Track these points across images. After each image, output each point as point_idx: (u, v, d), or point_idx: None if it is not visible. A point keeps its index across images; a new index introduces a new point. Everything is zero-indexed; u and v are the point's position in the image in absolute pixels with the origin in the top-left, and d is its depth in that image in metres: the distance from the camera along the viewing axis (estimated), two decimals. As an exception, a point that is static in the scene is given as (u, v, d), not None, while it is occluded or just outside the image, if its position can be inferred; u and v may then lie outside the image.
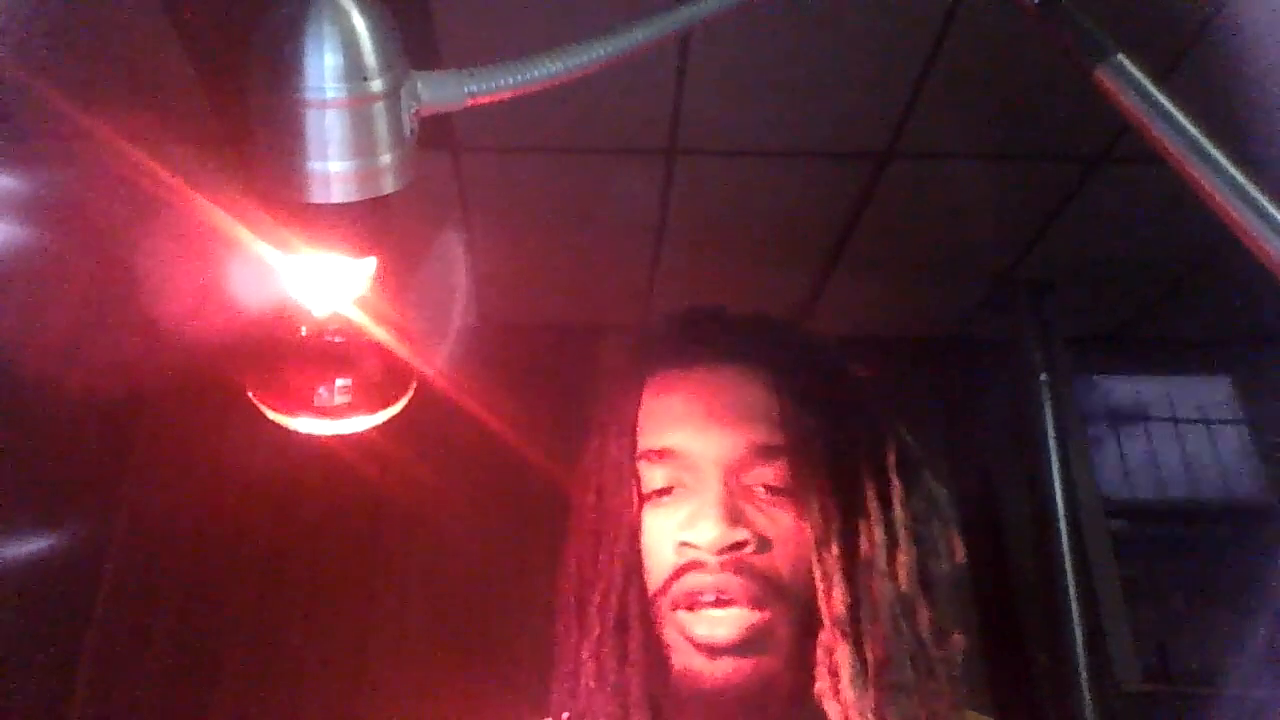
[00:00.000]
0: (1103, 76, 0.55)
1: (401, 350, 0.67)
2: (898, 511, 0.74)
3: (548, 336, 2.49)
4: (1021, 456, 2.36)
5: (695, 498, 0.73)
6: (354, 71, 0.50)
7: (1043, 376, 2.34)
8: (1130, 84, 0.54)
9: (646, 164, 2.04)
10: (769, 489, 0.73)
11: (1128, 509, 2.35)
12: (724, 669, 0.68)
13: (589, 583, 0.76)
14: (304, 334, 0.65)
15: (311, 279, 0.61)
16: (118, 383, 2.16)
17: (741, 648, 0.68)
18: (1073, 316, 2.44)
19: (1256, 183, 0.50)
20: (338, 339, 0.65)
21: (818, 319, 2.58)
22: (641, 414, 0.78)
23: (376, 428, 0.68)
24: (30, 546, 1.97)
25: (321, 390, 0.65)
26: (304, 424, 0.65)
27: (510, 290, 2.45)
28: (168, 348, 2.18)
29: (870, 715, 0.66)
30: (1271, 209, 0.49)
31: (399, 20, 0.53)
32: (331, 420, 0.65)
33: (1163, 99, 0.53)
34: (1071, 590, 2.15)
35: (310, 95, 0.50)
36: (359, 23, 0.50)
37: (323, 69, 0.50)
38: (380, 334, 0.66)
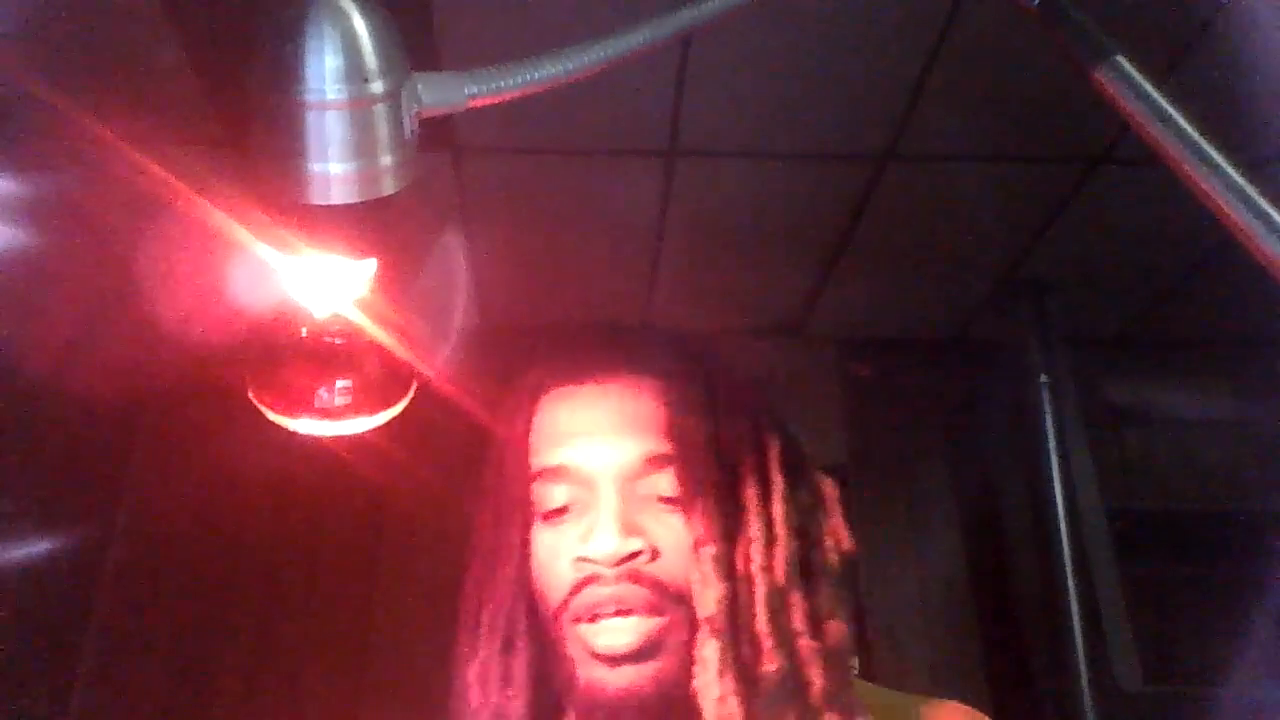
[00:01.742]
0: (1102, 77, 0.55)
1: (402, 351, 0.67)
2: (777, 508, 0.76)
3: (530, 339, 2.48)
4: (1022, 458, 2.36)
5: (591, 512, 0.74)
6: (355, 73, 0.50)
7: (1043, 378, 2.34)
8: (1130, 84, 0.54)
9: (647, 165, 2.04)
10: (663, 499, 0.75)
11: (1128, 510, 2.35)
12: (626, 676, 0.70)
13: (481, 606, 0.78)
14: (304, 335, 0.65)
15: (312, 280, 0.61)
16: (118, 383, 2.16)
17: (640, 654, 0.70)
18: (1073, 318, 2.43)
19: (1256, 184, 0.50)
20: (338, 340, 0.65)
21: (818, 320, 2.58)
22: (534, 433, 0.80)
23: (377, 429, 0.68)
24: (30, 547, 1.97)
25: (322, 391, 0.65)
26: (305, 425, 0.65)
27: (511, 291, 2.45)
28: (168, 349, 2.18)
29: (738, 709, 0.68)
30: (1270, 210, 0.49)
31: (399, 22, 0.53)
32: (332, 421, 0.65)
33: (1162, 100, 0.53)
34: (1071, 591, 2.15)
35: (311, 97, 0.50)
36: (360, 24, 0.50)
37: (323, 70, 0.50)
38: (381, 335, 0.66)
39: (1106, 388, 2.54)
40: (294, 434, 0.66)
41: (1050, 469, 2.26)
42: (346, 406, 0.66)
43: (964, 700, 0.80)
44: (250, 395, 0.65)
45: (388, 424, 0.68)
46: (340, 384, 0.66)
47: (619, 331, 0.89)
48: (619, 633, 0.71)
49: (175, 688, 2.14)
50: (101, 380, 2.06)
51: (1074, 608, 2.13)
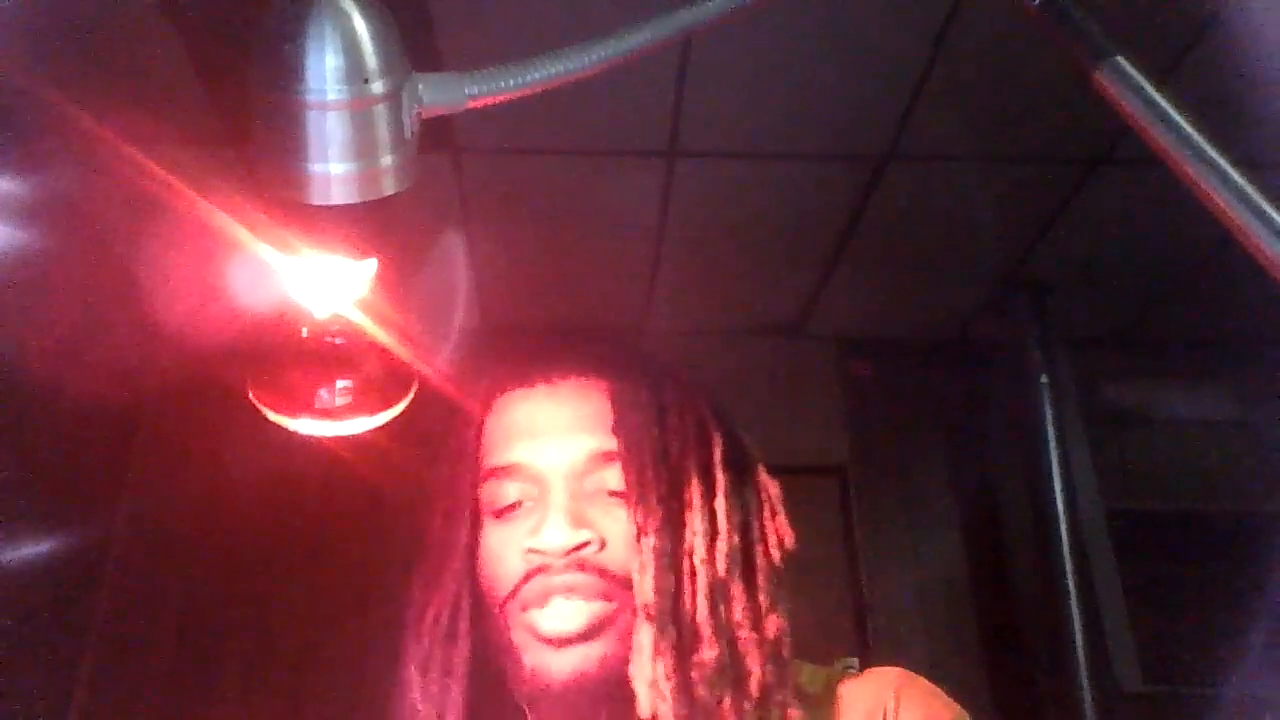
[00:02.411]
0: (1102, 78, 0.55)
1: (402, 352, 0.67)
2: (719, 504, 0.78)
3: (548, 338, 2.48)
4: (1022, 458, 2.36)
5: (541, 507, 0.77)
6: (355, 73, 0.50)
7: (1043, 379, 2.34)
8: (1130, 85, 0.54)
9: (647, 166, 2.04)
10: (610, 493, 0.78)
11: (1128, 510, 2.35)
12: (571, 658, 0.72)
13: (427, 601, 0.81)
14: (305, 335, 0.65)
15: (312, 280, 0.61)
16: (118, 384, 2.16)
17: (586, 635, 0.73)
18: (1073, 318, 2.44)
19: (1256, 184, 0.50)
20: (339, 340, 0.65)
21: (818, 320, 2.58)
22: (487, 435, 0.83)
23: (378, 429, 0.68)
24: (31, 548, 1.97)
25: (322, 392, 0.65)
26: (305, 425, 0.66)
27: (511, 292, 2.45)
28: (168, 349, 2.18)
29: (670, 694, 0.70)
30: (1271, 211, 0.49)
31: (399, 22, 0.53)
32: (332, 421, 0.66)
33: (1162, 101, 0.53)
34: (1071, 591, 2.15)
35: (311, 97, 0.50)
36: (360, 25, 0.50)
37: (324, 71, 0.50)
38: (381, 335, 0.66)
39: (1106, 388, 2.54)
40: (294, 434, 0.66)
41: (1050, 469, 2.26)
42: (347, 407, 0.66)
43: (963, 700, 0.80)
44: (250, 395, 0.65)
45: (389, 425, 0.68)
46: (340, 384, 0.66)
47: (568, 335, 0.93)
48: (566, 616, 0.73)
49: (175, 688, 2.14)
50: (101, 380, 2.06)
51: (1074, 608, 2.13)
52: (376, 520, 2.32)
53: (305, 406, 0.65)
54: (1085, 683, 2.08)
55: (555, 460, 0.78)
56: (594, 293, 2.47)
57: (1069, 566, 2.17)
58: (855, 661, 2.24)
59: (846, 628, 2.30)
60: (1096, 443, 2.38)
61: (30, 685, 1.98)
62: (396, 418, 0.68)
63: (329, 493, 2.24)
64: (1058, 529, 2.21)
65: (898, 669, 0.80)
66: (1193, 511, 2.41)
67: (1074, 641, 2.11)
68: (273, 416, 0.65)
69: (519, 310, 2.50)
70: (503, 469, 0.79)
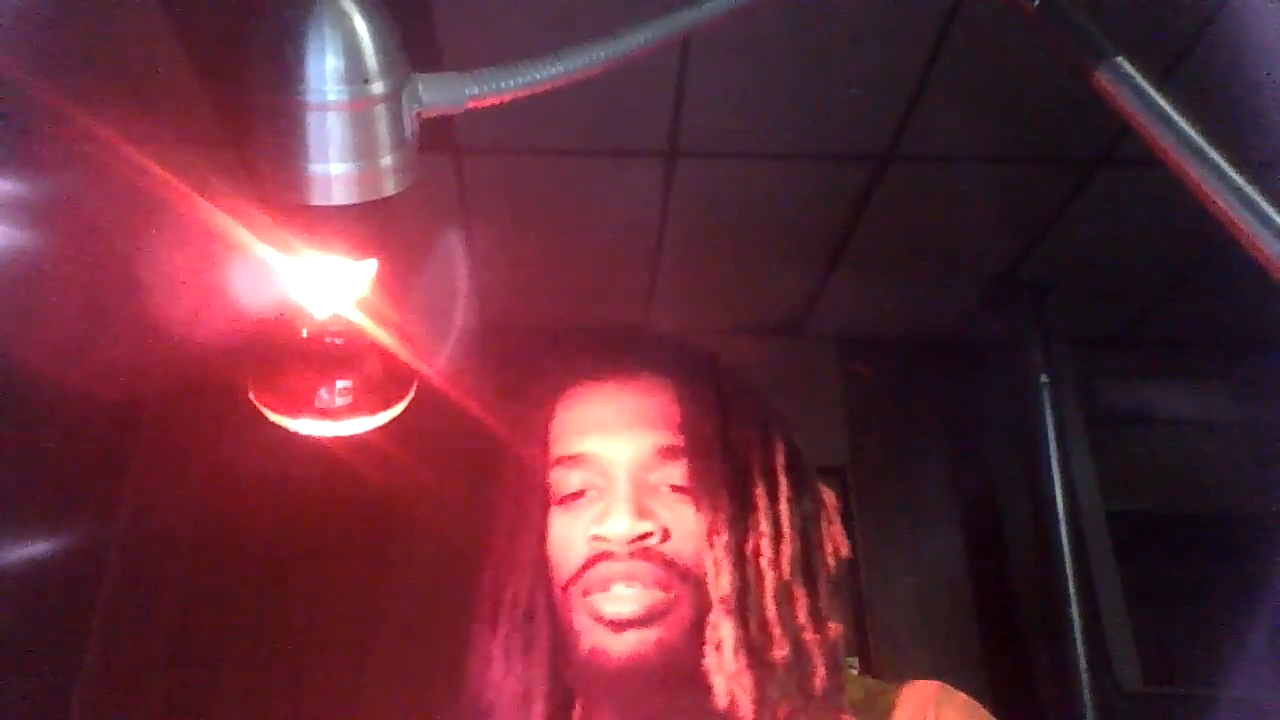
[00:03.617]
0: (1102, 78, 0.55)
1: (402, 352, 0.67)
2: (783, 508, 0.81)
3: (548, 338, 2.48)
4: (1022, 458, 2.36)
5: (606, 497, 0.79)
6: (355, 74, 0.50)
7: (1043, 378, 2.34)
8: (1129, 86, 0.55)
9: (647, 166, 2.04)
10: (673, 488, 0.80)
11: (1128, 510, 2.35)
12: (629, 642, 0.74)
13: (503, 583, 0.83)
14: (305, 336, 0.65)
15: (312, 281, 0.61)
16: (119, 384, 2.16)
17: (644, 621, 0.74)
18: (1073, 318, 2.44)
19: (1255, 185, 0.50)
20: (339, 341, 0.65)
21: (818, 320, 2.58)
22: (556, 424, 0.85)
23: (377, 429, 0.68)
24: (32, 547, 1.97)
25: (322, 392, 0.65)
26: (305, 425, 0.65)
27: (511, 292, 2.45)
28: (169, 349, 2.18)
29: (750, 688, 0.73)
30: (1270, 211, 0.49)
31: (400, 22, 0.53)
32: (332, 422, 0.66)
33: (1161, 101, 0.53)
34: (1071, 591, 2.15)
35: (311, 98, 0.50)
36: (360, 25, 0.50)
37: (324, 71, 0.50)
38: (381, 336, 0.66)
39: (1106, 388, 2.54)
40: (295, 435, 0.66)
41: (1050, 469, 2.26)
42: (347, 407, 0.66)
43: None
44: (251, 395, 0.65)
45: (388, 425, 0.68)
46: (340, 384, 0.66)
47: (639, 334, 0.96)
48: (626, 600, 0.75)
49: (176, 687, 2.14)
50: (103, 380, 2.06)
51: (1074, 608, 2.13)
52: (376, 520, 2.32)
53: (305, 406, 0.65)
54: (1085, 683, 2.08)
55: (622, 453, 0.80)
56: (594, 293, 2.47)
57: (1069, 566, 2.17)
58: (855, 661, 2.24)
59: (846, 627, 2.30)
60: (1096, 443, 2.38)
61: (30, 685, 1.99)
62: (396, 418, 0.68)
63: (329, 492, 2.24)
64: (1058, 529, 2.21)
65: (938, 683, 0.81)
66: (1193, 511, 2.41)
67: (1074, 641, 2.11)
68: (273, 416, 0.65)
69: (519, 310, 2.50)
70: (570, 458, 0.81)
